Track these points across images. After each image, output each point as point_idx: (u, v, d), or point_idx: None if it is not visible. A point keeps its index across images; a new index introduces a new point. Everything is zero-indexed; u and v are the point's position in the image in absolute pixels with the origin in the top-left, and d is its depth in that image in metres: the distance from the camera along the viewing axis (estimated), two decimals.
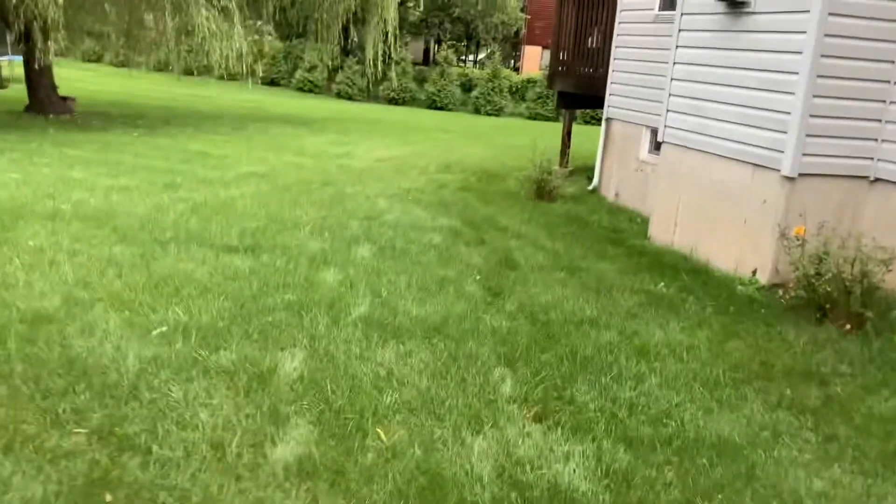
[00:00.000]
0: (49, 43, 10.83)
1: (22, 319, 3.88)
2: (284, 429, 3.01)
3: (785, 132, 5.35)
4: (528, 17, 34.61)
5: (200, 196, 7.26)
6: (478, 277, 5.28)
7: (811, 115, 5.23)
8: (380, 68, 16.79)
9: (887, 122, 5.33)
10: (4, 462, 2.66)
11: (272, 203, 7.24)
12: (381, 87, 26.09)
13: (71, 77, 20.37)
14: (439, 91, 25.84)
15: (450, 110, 25.52)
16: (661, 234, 6.81)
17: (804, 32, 5.17)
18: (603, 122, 9.28)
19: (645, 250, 6.48)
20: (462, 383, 3.51)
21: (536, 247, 6.32)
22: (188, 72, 17.31)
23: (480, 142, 15.07)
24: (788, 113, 5.31)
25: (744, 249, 5.81)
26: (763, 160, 5.59)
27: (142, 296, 4.38)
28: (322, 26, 15.75)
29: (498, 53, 28.83)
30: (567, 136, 10.74)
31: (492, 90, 25.53)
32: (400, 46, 23.85)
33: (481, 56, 40.86)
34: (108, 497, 2.55)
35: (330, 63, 22.63)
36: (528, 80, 26.27)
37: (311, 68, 27.13)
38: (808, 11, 5.11)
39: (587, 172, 10.22)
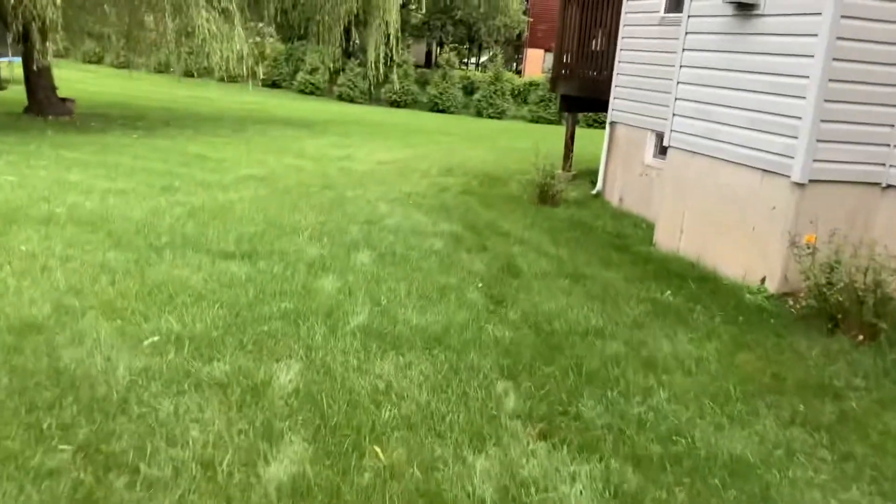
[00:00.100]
0: (47, 44, 10.73)
1: (10, 328, 3.77)
2: (278, 446, 2.89)
3: (795, 137, 5.22)
4: (531, 19, 34.49)
5: (198, 200, 7.15)
6: (480, 285, 5.15)
7: (822, 120, 5.10)
8: (381, 71, 16.69)
9: None
10: None
11: (271, 207, 7.12)
12: (382, 90, 25.98)
13: (71, 78, 20.29)
14: (441, 94, 25.74)
15: (452, 113, 25.41)
16: (667, 240, 6.68)
17: (815, 35, 5.05)
18: (607, 126, 9.16)
19: (650, 257, 6.35)
20: (463, 397, 3.38)
21: (540, 253, 6.19)
22: (189, 73, 17.25)
23: (482, 145, 14.95)
24: (799, 118, 5.19)
25: (752, 257, 5.68)
26: (772, 166, 5.47)
27: (134, 303, 4.26)
28: (324, 28, 15.65)
29: (500, 56, 28.70)
30: (570, 139, 10.62)
31: (494, 93, 25.42)
32: (402, 49, 23.75)
33: (483, 59, 40.76)
34: None
35: (331, 65, 22.55)
36: (531, 83, 26.15)
37: (313, 70, 27.05)
38: (820, 14, 4.98)
39: (590, 176, 10.10)
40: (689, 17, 6.41)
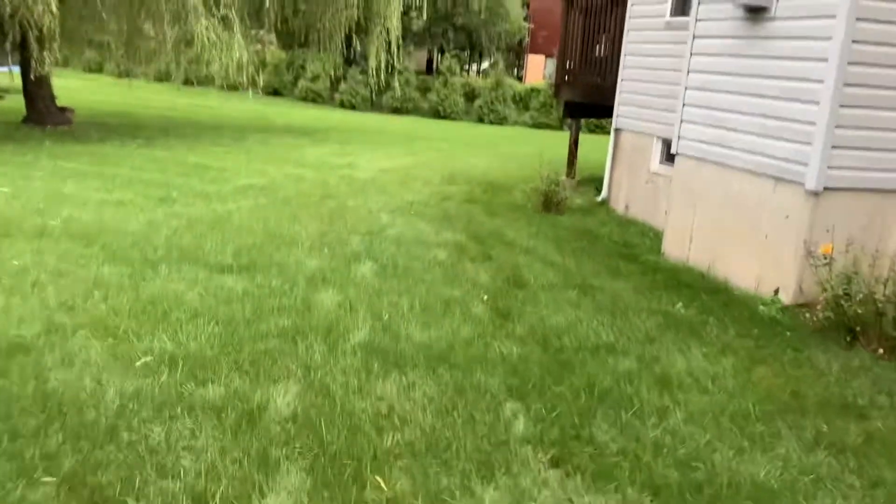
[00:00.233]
0: (45, 53, 10.59)
1: None
2: (274, 477, 2.72)
3: (809, 144, 5.06)
4: (532, 26, 34.44)
5: (196, 211, 7.00)
6: (485, 298, 4.99)
7: (837, 126, 4.94)
8: (383, 78, 16.57)
9: None
10: None
11: (270, 218, 6.97)
12: (384, 97, 25.89)
13: (71, 87, 20.22)
14: (443, 100, 25.63)
15: (453, 119, 25.29)
16: (676, 249, 6.52)
17: (829, 39, 4.90)
18: (612, 133, 9.01)
19: (659, 267, 6.18)
20: (470, 421, 3.22)
21: (546, 263, 6.03)
22: (189, 82, 17.17)
23: (485, 151, 14.81)
24: (813, 124, 5.03)
25: (765, 267, 5.51)
26: (785, 173, 5.31)
27: (127, 321, 4.11)
28: (324, 36, 15.55)
29: (501, 62, 28.63)
30: (574, 146, 10.47)
31: (495, 99, 25.31)
32: (403, 56, 23.67)
33: (484, 65, 40.69)
34: None
35: (332, 73, 22.48)
36: (532, 89, 26.04)
37: (314, 78, 26.96)
38: (835, 17, 4.83)
39: (595, 183, 9.95)
40: (697, 21, 6.27)
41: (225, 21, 12.42)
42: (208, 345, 3.85)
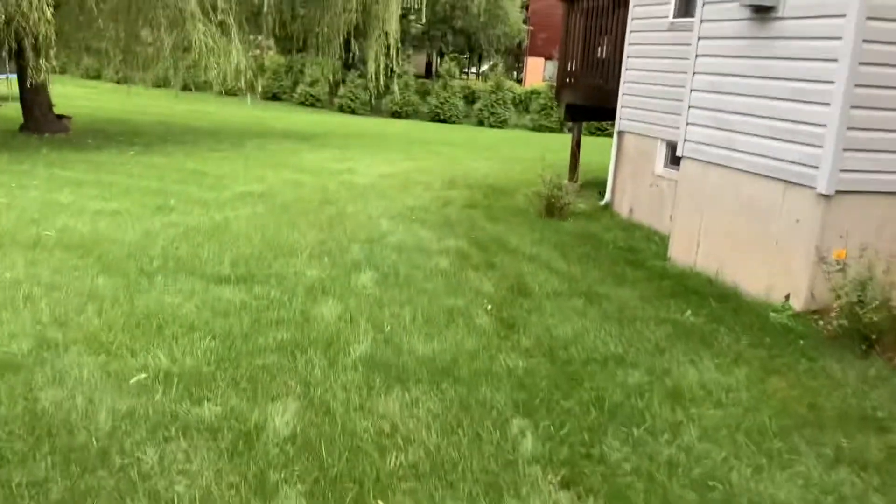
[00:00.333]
0: (41, 61, 10.48)
1: None
2: (273, 503, 2.60)
3: (820, 146, 4.94)
4: (531, 28, 34.37)
5: (193, 219, 6.89)
6: (489, 307, 4.87)
7: (849, 128, 4.82)
8: (382, 82, 16.46)
9: None
10: None
11: (269, 225, 6.85)
12: (383, 101, 25.78)
13: (69, 94, 20.13)
14: (442, 104, 25.54)
15: (453, 123, 25.20)
16: (683, 254, 6.39)
17: (840, 38, 4.78)
18: (615, 136, 8.89)
19: (666, 273, 6.06)
20: (476, 440, 3.09)
21: (550, 270, 5.91)
22: (187, 88, 17.07)
23: (485, 155, 14.70)
24: (824, 125, 4.91)
25: (775, 273, 5.39)
26: (795, 176, 5.18)
27: (121, 336, 3.99)
28: (323, 40, 15.45)
29: (501, 65, 28.53)
30: (576, 149, 10.35)
31: (495, 102, 25.21)
32: (402, 60, 23.56)
33: (484, 68, 40.61)
34: None
35: (332, 77, 22.37)
36: (532, 92, 25.94)
37: (313, 82, 26.88)
38: (844, 16, 4.71)
39: (598, 187, 9.82)
40: (702, 21, 6.15)
41: (222, 27, 12.32)
42: (204, 360, 3.73)
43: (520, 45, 35.57)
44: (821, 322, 4.69)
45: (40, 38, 9.95)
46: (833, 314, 4.58)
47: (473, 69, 41.40)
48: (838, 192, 4.94)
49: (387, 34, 15.57)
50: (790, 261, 5.26)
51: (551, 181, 8.23)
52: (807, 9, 5.13)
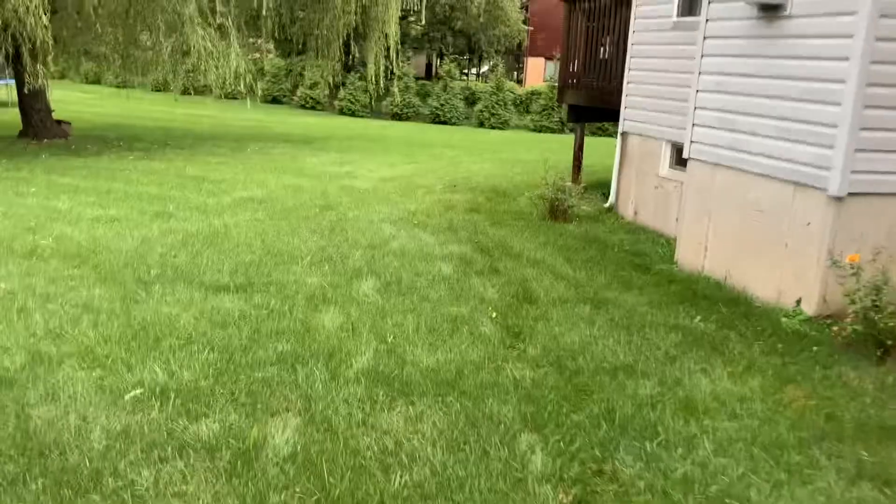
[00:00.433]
0: (38, 66, 10.40)
1: None
2: None
3: (831, 147, 4.82)
4: (531, 28, 34.29)
5: (192, 226, 6.79)
6: (494, 315, 4.75)
7: (861, 128, 4.70)
8: (382, 84, 16.37)
9: None
10: None
11: (269, 232, 6.75)
12: (384, 103, 25.70)
13: (69, 100, 20.10)
14: (443, 105, 25.44)
15: (454, 124, 25.10)
16: (690, 258, 6.27)
17: (851, 37, 4.66)
18: (618, 137, 8.78)
19: (674, 277, 5.94)
20: (484, 457, 2.98)
21: (555, 275, 5.79)
22: (187, 92, 16.97)
23: (487, 157, 14.59)
24: (835, 126, 4.79)
25: (785, 277, 5.27)
26: (806, 178, 5.07)
27: (117, 349, 3.88)
28: (323, 43, 15.36)
29: (501, 66, 28.42)
30: (579, 150, 10.24)
31: (496, 103, 25.10)
32: (402, 61, 23.46)
33: (484, 69, 40.53)
34: None
35: (331, 80, 22.32)
36: (533, 92, 25.83)
37: (313, 85, 26.78)
38: (856, 13, 4.60)
39: (601, 189, 9.72)
40: (707, 20, 6.03)
41: (221, 30, 12.24)
42: (202, 374, 3.63)
43: (520, 45, 35.49)
44: (834, 328, 4.57)
45: (37, 43, 9.87)
46: (848, 319, 4.47)
47: (473, 70, 41.34)
48: (850, 194, 4.83)
49: (386, 36, 15.48)
50: (801, 264, 5.15)
51: (555, 184, 8.13)
52: (816, 6, 5.01)
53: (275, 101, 28.15)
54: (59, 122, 13.51)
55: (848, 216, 4.87)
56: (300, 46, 17.93)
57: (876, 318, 4.28)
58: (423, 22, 26.80)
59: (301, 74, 27.62)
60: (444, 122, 25.19)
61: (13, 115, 13.69)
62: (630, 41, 8.40)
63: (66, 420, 3.14)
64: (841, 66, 4.74)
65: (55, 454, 2.88)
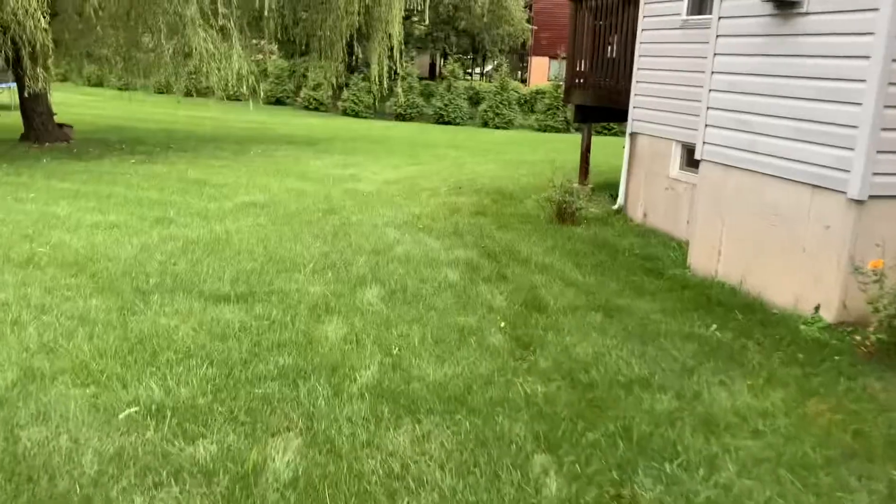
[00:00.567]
0: (38, 70, 10.29)
1: None
2: None
3: (851, 149, 4.65)
4: (535, 27, 34.12)
5: (193, 232, 6.65)
6: (502, 325, 4.60)
7: (883, 129, 4.53)
8: (386, 84, 16.24)
9: None
10: None
11: (271, 237, 6.61)
12: (387, 104, 25.57)
13: (71, 103, 20.01)
14: (447, 105, 25.28)
15: (458, 124, 24.94)
16: (703, 262, 6.10)
17: (871, 34, 4.49)
18: (627, 137, 8.61)
19: (687, 282, 5.77)
20: (495, 481, 2.82)
21: (565, 282, 5.63)
22: (189, 93, 16.90)
23: (491, 157, 14.43)
24: (855, 126, 4.62)
25: (803, 282, 5.10)
26: (824, 181, 4.90)
27: (112, 364, 3.74)
28: (326, 44, 15.25)
29: (505, 65, 28.26)
30: (586, 151, 10.07)
31: (500, 103, 24.92)
32: (405, 62, 23.32)
33: (488, 68, 40.37)
34: None
35: (335, 80, 22.21)
36: (537, 92, 25.66)
37: (317, 86, 26.66)
38: (877, 10, 4.42)
39: (609, 190, 9.55)
40: (719, 18, 5.86)
41: (223, 32, 12.11)
42: (200, 391, 3.48)
43: (524, 44, 35.34)
44: (857, 336, 4.39)
45: (37, 46, 9.76)
46: (871, 328, 4.29)
47: (477, 70, 41.18)
48: (871, 196, 4.65)
49: (390, 36, 15.35)
50: (820, 270, 4.98)
51: (562, 186, 7.97)
52: (834, 3, 4.84)
53: (278, 102, 28.05)
54: (60, 125, 13.41)
55: (869, 220, 4.70)
56: (303, 47, 17.81)
57: None
58: (427, 22, 26.69)
59: (304, 76, 27.51)
60: (448, 123, 25.04)
61: (15, 118, 13.59)
62: (638, 40, 8.23)
63: (57, 442, 3.00)
64: (861, 64, 4.57)
65: (44, 480, 2.74)
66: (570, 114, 23.33)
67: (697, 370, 4.00)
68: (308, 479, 2.78)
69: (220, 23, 11.87)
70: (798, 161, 5.11)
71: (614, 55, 9.12)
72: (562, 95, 23.46)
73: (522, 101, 25.53)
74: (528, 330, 4.53)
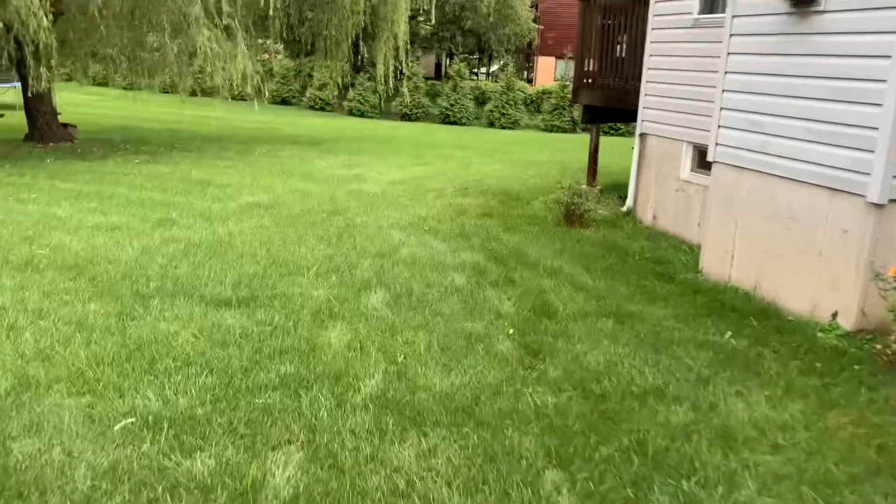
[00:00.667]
0: (42, 69, 10.22)
1: None
2: None
3: (871, 151, 4.51)
4: (541, 27, 33.93)
5: (195, 234, 6.55)
6: (510, 332, 4.47)
7: None
8: (391, 84, 16.16)
9: None
10: None
11: (274, 239, 6.50)
12: (393, 104, 25.47)
13: (76, 102, 19.96)
14: (452, 105, 25.16)
15: (464, 124, 24.82)
16: (716, 266, 5.96)
17: (893, 33, 4.35)
18: (636, 138, 8.47)
19: (699, 287, 5.63)
20: (505, 499, 2.70)
21: (574, 286, 5.50)
22: (194, 93, 16.83)
23: (498, 158, 14.29)
24: (875, 128, 4.47)
25: (820, 288, 4.96)
26: (842, 184, 4.75)
27: (109, 372, 3.64)
28: (331, 43, 15.16)
29: (511, 65, 28.09)
30: (594, 152, 9.93)
31: (506, 103, 24.79)
32: (411, 61, 23.22)
33: (494, 68, 40.21)
34: None
35: (340, 80, 22.15)
36: (543, 92, 25.51)
37: (322, 86, 26.60)
38: None
39: (617, 191, 9.41)
40: (733, 17, 5.72)
41: (228, 31, 12.03)
42: (199, 401, 3.37)
43: (530, 44, 35.15)
44: (877, 345, 4.25)
45: (41, 46, 9.69)
46: (893, 336, 4.15)
47: (483, 70, 41.02)
48: (892, 200, 4.51)
49: (395, 36, 15.25)
50: (837, 275, 4.83)
51: (570, 187, 7.84)
52: (853, 1, 4.69)
53: (284, 102, 27.99)
54: (65, 125, 13.35)
55: (889, 224, 4.55)
56: (309, 47, 17.73)
57: None
58: (433, 21, 26.55)
59: (310, 75, 27.44)
60: (454, 123, 24.92)
61: (20, 118, 13.55)
62: (648, 39, 8.09)
63: (50, 455, 2.89)
64: (881, 64, 4.43)
65: (35, 496, 2.63)
66: (576, 114, 23.20)
67: (713, 380, 3.87)
68: (309, 497, 2.66)
69: (225, 22, 11.79)
70: (815, 163, 4.97)
71: (623, 55, 8.99)
72: (568, 95, 23.37)
73: (528, 101, 25.39)
74: (537, 337, 4.40)
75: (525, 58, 39.51)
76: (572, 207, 7.74)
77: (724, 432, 3.30)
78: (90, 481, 2.72)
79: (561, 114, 24.19)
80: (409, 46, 16.16)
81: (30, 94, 11.12)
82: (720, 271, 5.89)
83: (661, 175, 8.02)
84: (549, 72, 35.12)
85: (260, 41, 17.13)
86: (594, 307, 5.01)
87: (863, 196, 4.60)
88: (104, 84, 29.17)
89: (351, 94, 25.87)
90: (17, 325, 4.19)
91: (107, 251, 5.84)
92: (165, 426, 3.12)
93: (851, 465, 3.09)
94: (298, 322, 4.44)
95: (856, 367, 4.14)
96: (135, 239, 6.27)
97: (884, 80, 4.42)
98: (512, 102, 24.83)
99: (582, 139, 17.76)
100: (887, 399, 3.74)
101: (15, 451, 2.92)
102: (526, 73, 39.18)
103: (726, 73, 5.81)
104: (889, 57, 4.38)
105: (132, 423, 3.16)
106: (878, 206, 4.53)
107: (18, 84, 14.30)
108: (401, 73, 17.87)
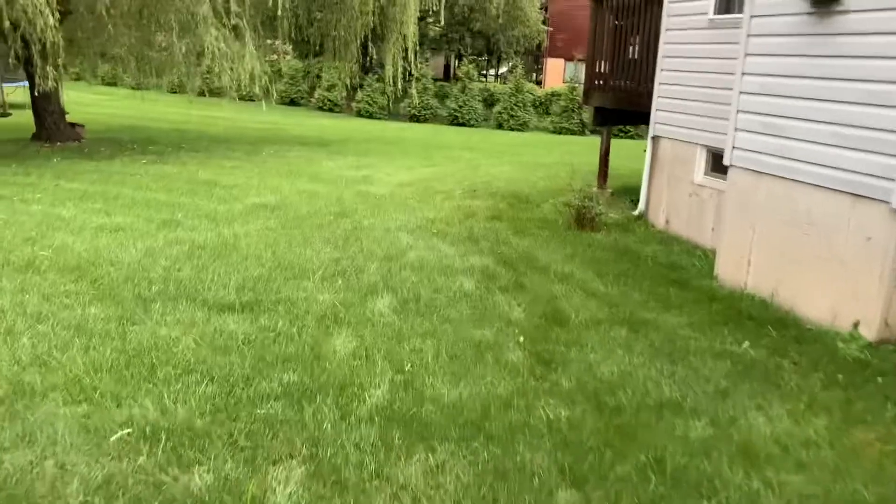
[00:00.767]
0: (48, 68, 10.16)
1: None
2: None
3: (895, 156, 4.35)
4: (550, 29, 33.80)
5: (200, 236, 6.44)
6: (521, 339, 4.34)
7: None
8: (400, 85, 16.05)
9: None
10: None
11: (280, 242, 6.38)
12: (402, 105, 25.39)
13: (85, 101, 19.98)
14: (461, 107, 25.04)
15: (472, 126, 24.69)
16: (732, 273, 5.81)
17: None
18: (649, 141, 8.32)
19: (715, 294, 5.48)
20: None
21: (586, 292, 5.36)
22: (202, 93, 16.80)
23: (507, 160, 14.15)
24: None
25: (841, 296, 4.80)
26: (866, 189, 4.59)
27: (107, 380, 3.52)
28: (340, 44, 15.08)
29: (520, 67, 27.97)
30: (605, 154, 9.78)
31: (515, 105, 24.65)
32: (420, 63, 23.12)
33: (503, 70, 40.09)
34: None
35: (349, 81, 22.08)
36: (552, 94, 25.36)
37: (331, 87, 26.54)
38: None
39: (629, 195, 9.25)
40: (752, 17, 5.57)
41: (236, 31, 11.95)
42: (199, 411, 3.25)
43: (539, 46, 35.01)
44: None
45: (48, 45, 9.63)
46: None
47: (492, 71, 40.91)
48: None
49: (404, 37, 15.15)
50: (859, 283, 4.67)
51: (581, 191, 7.70)
52: (877, 0, 4.53)
53: (292, 102, 27.94)
54: (72, 124, 13.31)
55: None
56: (317, 48, 17.67)
57: None
58: (442, 23, 26.45)
59: (318, 76, 27.39)
60: (463, 124, 24.80)
61: (27, 117, 13.52)
62: (662, 40, 7.94)
63: (42, 467, 2.78)
64: None
65: None
66: (585, 116, 23.04)
67: (732, 392, 3.72)
68: None
69: (233, 22, 11.71)
70: (837, 168, 4.81)
71: (636, 56, 8.83)
72: (577, 98, 23.23)
73: (537, 103, 25.24)
74: (548, 345, 4.26)
75: (534, 60, 39.39)
76: (583, 211, 7.60)
77: (745, 449, 3.15)
78: (82, 496, 2.61)
79: (570, 116, 24.03)
80: (417, 48, 16.04)
81: (37, 93, 11.05)
82: (736, 278, 5.74)
83: (673, 178, 7.86)
84: (558, 74, 34.98)
85: (268, 41, 17.08)
86: (607, 314, 4.87)
87: (888, 203, 4.44)
88: (113, 84, 29.23)
89: (359, 95, 25.80)
90: (15, 330, 4.09)
91: (110, 253, 5.74)
92: (163, 438, 3.01)
93: (881, 484, 2.94)
94: (303, 328, 4.32)
95: (879, 379, 3.99)
96: (138, 240, 6.18)
97: None
98: (521, 104, 24.69)
99: (591, 141, 17.60)
100: None
101: (6, 462, 2.80)
102: (535, 74, 39.04)
103: (744, 74, 5.66)
104: None
105: (129, 434, 3.04)
106: None
107: (26, 83, 14.29)
108: (409, 74, 17.76)
